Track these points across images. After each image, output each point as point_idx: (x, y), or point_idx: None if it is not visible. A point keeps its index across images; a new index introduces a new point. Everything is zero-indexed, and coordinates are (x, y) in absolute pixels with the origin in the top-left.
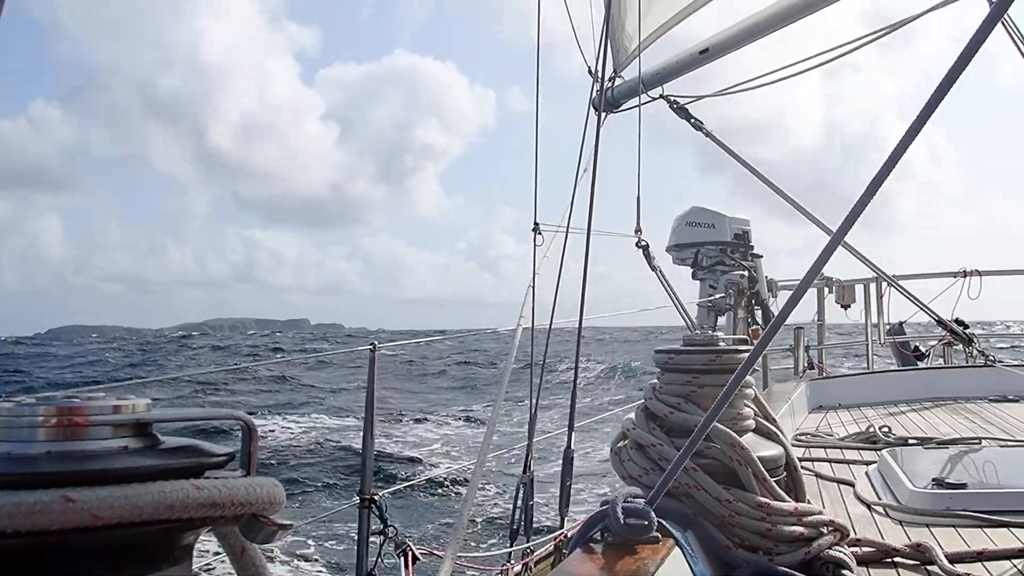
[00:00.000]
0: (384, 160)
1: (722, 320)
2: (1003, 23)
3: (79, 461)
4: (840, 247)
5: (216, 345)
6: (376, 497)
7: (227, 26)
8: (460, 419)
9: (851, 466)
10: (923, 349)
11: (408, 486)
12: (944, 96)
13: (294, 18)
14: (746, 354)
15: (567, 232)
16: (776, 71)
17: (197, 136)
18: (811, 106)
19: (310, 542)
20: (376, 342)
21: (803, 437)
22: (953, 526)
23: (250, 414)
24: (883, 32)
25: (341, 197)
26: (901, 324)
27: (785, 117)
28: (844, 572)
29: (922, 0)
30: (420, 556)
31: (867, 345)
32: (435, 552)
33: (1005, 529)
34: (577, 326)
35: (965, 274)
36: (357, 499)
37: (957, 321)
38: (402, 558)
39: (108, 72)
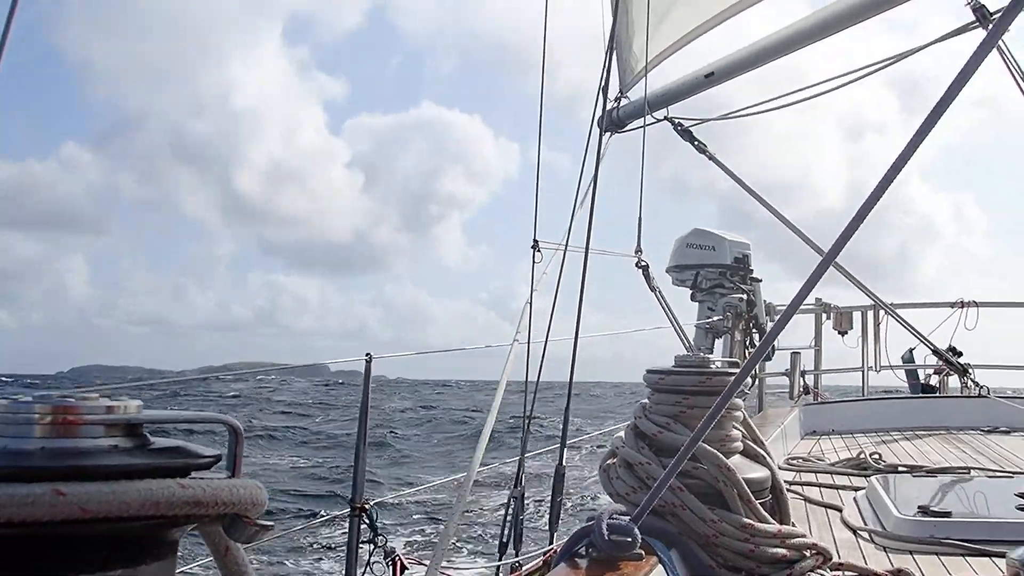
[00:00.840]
0: (408, 208)
1: (720, 343)
2: (998, 50)
3: (71, 457)
4: (839, 274)
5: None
6: (367, 506)
7: (258, 74)
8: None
9: (840, 491)
10: (933, 383)
11: (400, 496)
12: (938, 119)
13: (323, 68)
14: (735, 376)
15: (565, 250)
16: (780, 97)
17: (225, 181)
18: (835, 168)
19: (302, 548)
20: (371, 353)
21: (794, 461)
22: (936, 553)
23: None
24: (886, 63)
25: (365, 243)
26: (911, 351)
27: (811, 177)
28: None
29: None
30: (408, 565)
31: (863, 372)
32: (423, 562)
33: (987, 558)
34: (572, 342)
35: (963, 305)
36: (348, 508)
37: (952, 351)
38: (391, 567)
39: (140, 116)
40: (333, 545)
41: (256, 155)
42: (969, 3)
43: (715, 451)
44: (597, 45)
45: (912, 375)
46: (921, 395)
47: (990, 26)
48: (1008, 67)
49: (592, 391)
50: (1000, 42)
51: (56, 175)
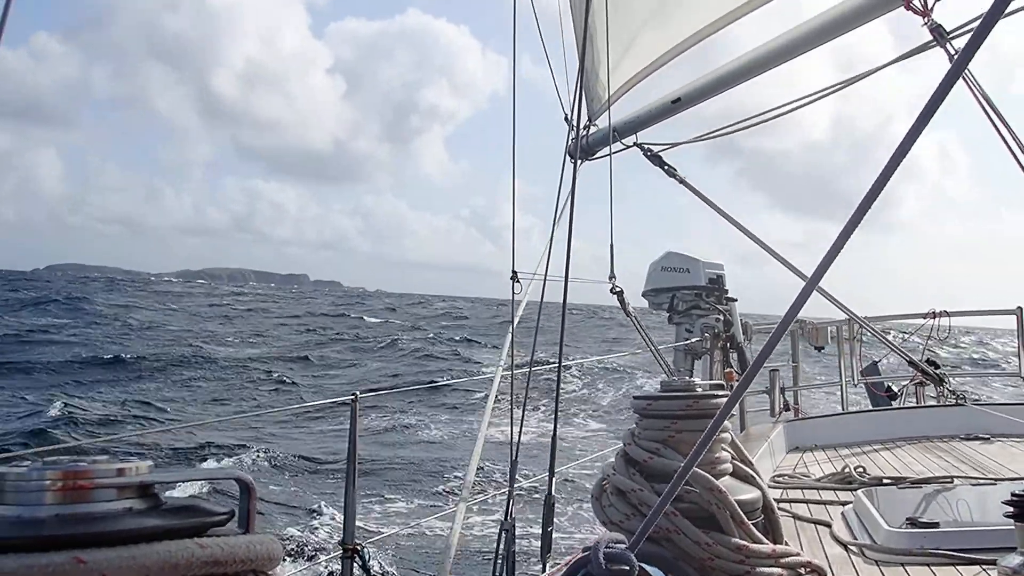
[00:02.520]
0: (390, 119)
1: (698, 364)
2: (964, 78)
3: (87, 523)
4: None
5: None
6: (359, 547)
7: None
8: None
9: (827, 507)
10: (895, 389)
11: (392, 535)
12: (908, 151)
13: None
14: (723, 399)
15: (545, 280)
16: (747, 119)
17: (201, 81)
18: (823, 101)
19: None
20: (357, 392)
21: (780, 478)
22: (927, 564)
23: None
24: (847, 83)
25: (344, 152)
26: (875, 364)
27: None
28: None
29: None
30: None
31: (841, 386)
32: None
33: (977, 567)
34: (557, 369)
35: (935, 315)
36: (340, 550)
37: (928, 361)
38: None
39: (112, 7)
40: None
41: (234, 55)
42: (926, 23)
43: (707, 475)
44: (564, 76)
45: (879, 387)
46: (900, 407)
47: (948, 45)
48: (972, 91)
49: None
50: (967, 70)
51: (26, 64)
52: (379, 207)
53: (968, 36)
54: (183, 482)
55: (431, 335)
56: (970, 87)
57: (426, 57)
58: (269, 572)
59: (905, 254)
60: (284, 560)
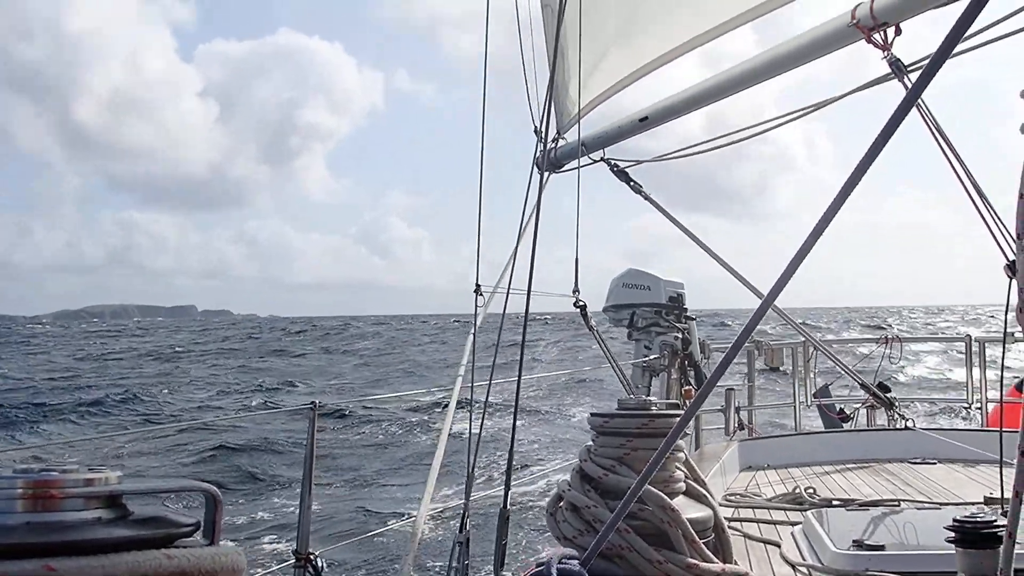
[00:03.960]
0: (267, 140)
1: (656, 381)
2: (917, 107)
3: (57, 532)
4: (771, 311)
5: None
6: (313, 556)
7: None
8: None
9: (778, 527)
10: (847, 412)
11: (347, 544)
12: (862, 176)
13: None
14: (677, 418)
15: (508, 293)
16: (712, 140)
17: (63, 112)
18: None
19: None
20: (316, 401)
21: (732, 497)
22: None
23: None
24: (808, 110)
25: (222, 177)
26: (827, 386)
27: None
28: None
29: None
30: None
31: (794, 407)
32: None
33: None
34: (516, 383)
35: (887, 340)
36: (293, 559)
37: (879, 385)
38: None
39: None
40: None
41: (98, 83)
42: (885, 57)
43: (660, 493)
44: (535, 88)
45: (831, 409)
46: (851, 429)
47: (904, 78)
48: (925, 121)
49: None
50: (920, 99)
51: None
52: (264, 231)
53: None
54: (152, 494)
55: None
56: (923, 117)
57: (301, 76)
58: None
59: (784, 241)
60: (246, 572)
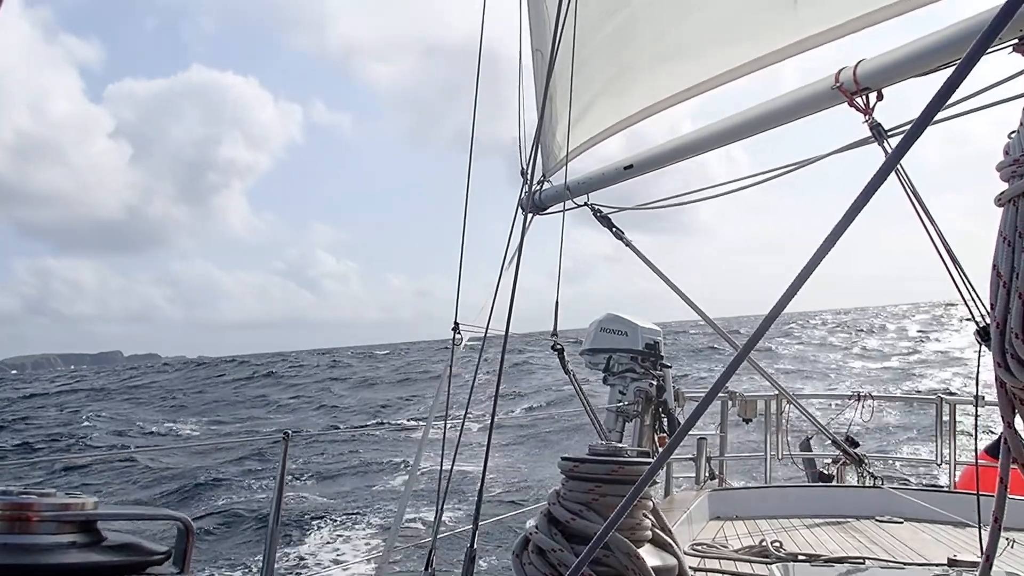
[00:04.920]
0: (184, 179)
1: (629, 426)
2: (896, 172)
3: (31, 554)
4: (746, 365)
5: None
6: None
7: None
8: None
9: None
10: (825, 472)
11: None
12: (842, 233)
13: (71, 30)
14: (647, 466)
15: (486, 332)
16: (691, 192)
17: None
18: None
19: None
20: (288, 431)
21: (699, 547)
22: None
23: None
24: (790, 168)
25: (139, 219)
26: (808, 440)
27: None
28: None
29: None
30: None
31: (765, 459)
32: None
33: None
34: (489, 421)
35: (859, 397)
36: None
37: (849, 440)
38: None
39: None
40: None
41: (1, 129)
42: (866, 121)
43: (626, 540)
44: (522, 131)
45: (810, 464)
46: (820, 484)
47: (884, 142)
48: (903, 185)
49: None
50: (899, 165)
51: None
52: (187, 272)
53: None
54: (126, 519)
55: None
56: (901, 182)
57: (216, 112)
58: None
59: (707, 252)
60: None
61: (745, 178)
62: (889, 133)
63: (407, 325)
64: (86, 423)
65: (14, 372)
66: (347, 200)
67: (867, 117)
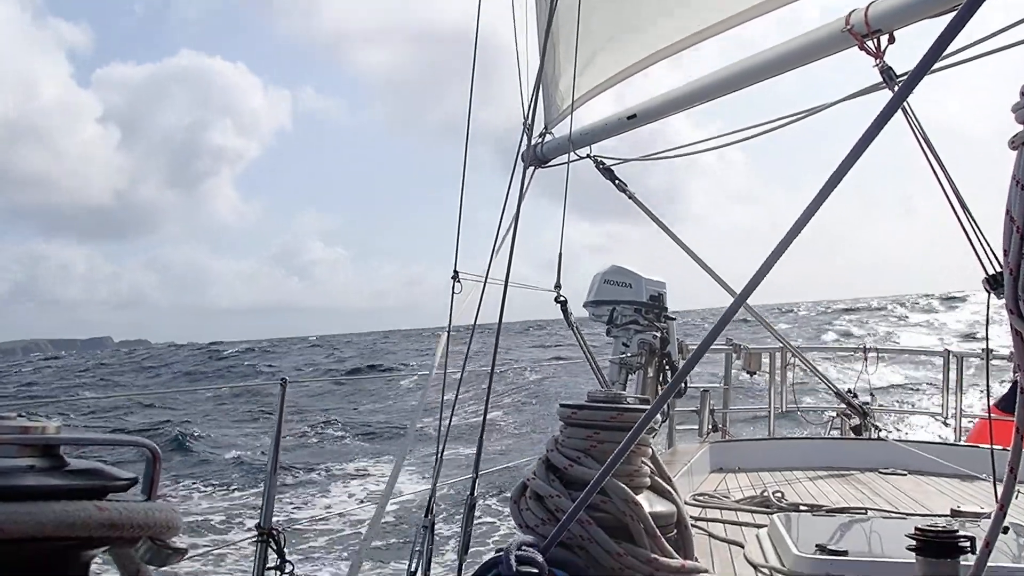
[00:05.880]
0: (172, 164)
1: (633, 378)
2: (904, 113)
3: None
4: (749, 316)
5: None
6: (275, 531)
7: None
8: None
9: (743, 528)
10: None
11: (310, 520)
12: (846, 172)
13: (60, 14)
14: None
15: (485, 283)
16: (699, 142)
17: None
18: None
19: (205, 572)
20: (286, 378)
21: (700, 497)
22: None
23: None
24: (798, 116)
25: (127, 204)
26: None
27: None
28: None
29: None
30: None
31: (769, 411)
32: None
33: None
34: (489, 372)
35: (864, 350)
36: (255, 532)
37: (852, 393)
38: None
39: None
40: (238, 571)
41: None
42: (877, 65)
43: (623, 486)
44: (524, 81)
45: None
46: (823, 437)
47: (895, 87)
48: (911, 126)
49: None
50: (905, 103)
51: None
52: (176, 257)
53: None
54: (89, 444)
55: None
56: (909, 123)
57: (205, 98)
58: (168, 540)
59: (699, 243)
60: (184, 530)
61: (752, 127)
62: (899, 79)
63: (397, 312)
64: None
65: (5, 356)
66: (337, 187)
67: (878, 61)
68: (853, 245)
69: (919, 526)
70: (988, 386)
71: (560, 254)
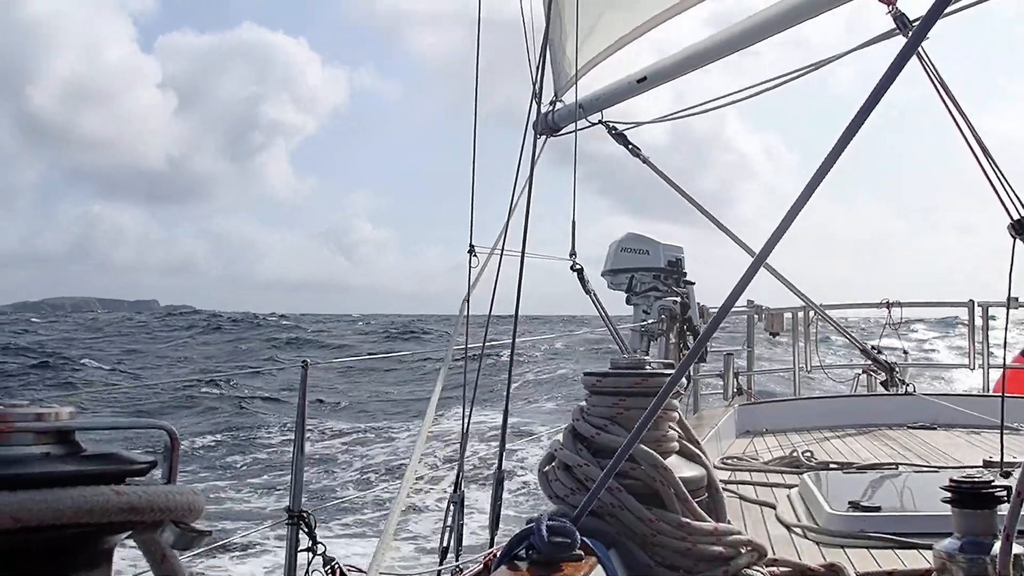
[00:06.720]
0: (229, 136)
1: (654, 345)
2: (918, 56)
3: (1, 466)
4: (770, 276)
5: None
6: (305, 513)
7: None
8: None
9: (774, 489)
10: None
11: (339, 502)
12: (863, 121)
13: None
14: (670, 377)
15: (501, 254)
16: (710, 101)
17: (17, 100)
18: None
19: (237, 555)
20: (308, 360)
21: (729, 460)
22: (867, 547)
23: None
24: (806, 70)
25: (182, 172)
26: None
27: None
28: None
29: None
30: (348, 573)
31: (794, 371)
32: (364, 570)
33: (914, 551)
34: (510, 343)
35: (888, 305)
36: (285, 515)
37: (876, 349)
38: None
39: None
40: (269, 551)
41: (54, 72)
42: (890, 11)
43: (652, 451)
44: (532, 50)
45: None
46: (850, 394)
47: (910, 34)
48: (927, 72)
49: None
50: (920, 49)
51: None
52: (226, 227)
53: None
54: (105, 429)
55: None
56: (926, 70)
57: (264, 72)
58: (191, 523)
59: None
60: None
61: (767, 81)
62: (913, 24)
63: (442, 297)
64: None
65: (58, 312)
66: (389, 169)
67: (891, 7)
68: (904, 255)
69: (954, 478)
70: (1006, 334)
71: (573, 221)
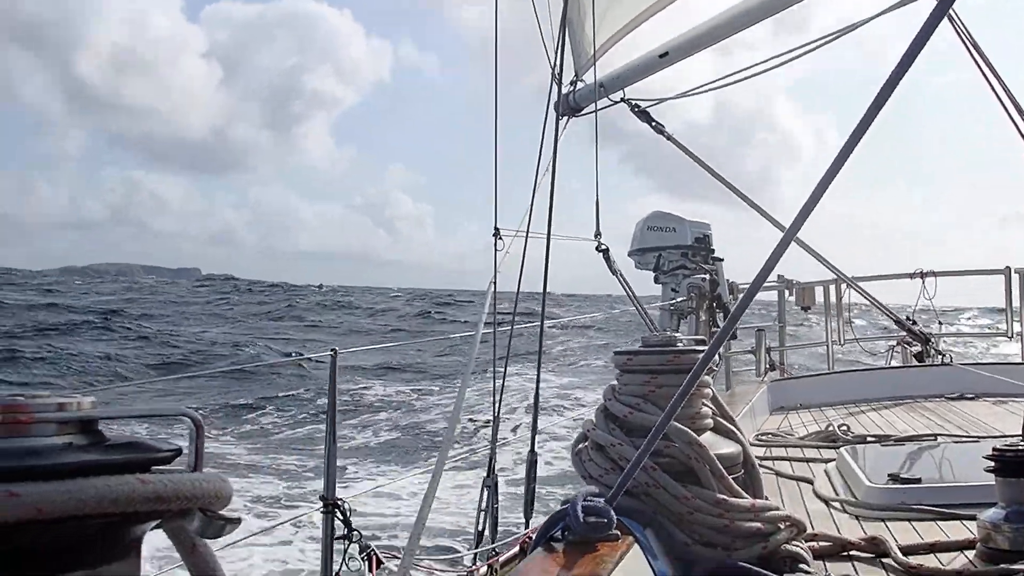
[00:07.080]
0: (270, 105)
1: (684, 324)
2: (949, 17)
3: (23, 457)
4: (800, 249)
5: None
6: (339, 501)
7: None
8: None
9: (810, 464)
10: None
11: (374, 489)
12: (895, 87)
13: None
14: (703, 354)
15: (527, 236)
16: (735, 73)
17: (65, 67)
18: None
19: (273, 543)
20: (336, 348)
21: (764, 437)
22: (908, 520)
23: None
24: (841, 32)
25: (223, 140)
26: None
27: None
28: (801, 566)
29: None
30: (384, 560)
31: (827, 346)
32: (399, 555)
33: (957, 521)
34: (539, 330)
35: (922, 275)
36: (320, 504)
37: (911, 320)
38: (366, 562)
39: None
40: (306, 538)
41: (100, 39)
42: None
43: (686, 429)
44: (550, 29)
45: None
46: (886, 367)
47: None
48: (959, 34)
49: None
50: (951, 11)
51: None
52: (266, 197)
53: None
54: (128, 418)
55: None
56: (956, 31)
57: (307, 42)
58: (219, 510)
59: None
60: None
61: (794, 50)
62: None
63: (478, 275)
64: None
65: (99, 279)
66: (429, 144)
67: None
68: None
69: (997, 447)
70: None
71: (597, 202)
